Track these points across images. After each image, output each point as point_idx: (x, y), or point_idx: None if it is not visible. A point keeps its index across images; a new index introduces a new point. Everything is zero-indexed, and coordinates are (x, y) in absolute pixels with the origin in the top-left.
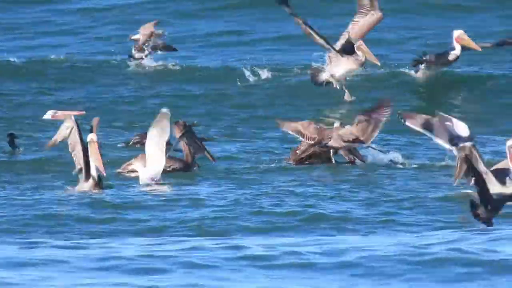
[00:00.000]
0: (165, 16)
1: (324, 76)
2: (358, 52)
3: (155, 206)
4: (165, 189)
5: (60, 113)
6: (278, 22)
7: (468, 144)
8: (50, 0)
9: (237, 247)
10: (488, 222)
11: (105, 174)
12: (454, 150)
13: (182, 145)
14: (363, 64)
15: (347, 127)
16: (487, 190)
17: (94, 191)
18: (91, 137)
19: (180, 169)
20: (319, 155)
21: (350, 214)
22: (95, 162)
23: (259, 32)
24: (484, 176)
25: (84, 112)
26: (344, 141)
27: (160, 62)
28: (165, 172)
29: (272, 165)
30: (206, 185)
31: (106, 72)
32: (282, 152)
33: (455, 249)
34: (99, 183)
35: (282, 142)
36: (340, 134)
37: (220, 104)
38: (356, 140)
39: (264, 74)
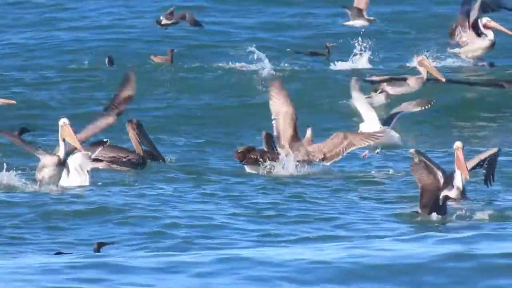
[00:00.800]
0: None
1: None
2: (420, 68)
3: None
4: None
5: None
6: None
7: (411, 150)
8: None
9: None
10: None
11: (82, 151)
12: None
13: (134, 140)
14: (425, 82)
15: (319, 144)
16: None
17: (56, 167)
18: (63, 120)
19: (135, 161)
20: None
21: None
22: (71, 142)
23: None
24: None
25: (14, 102)
26: (309, 158)
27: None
28: (121, 164)
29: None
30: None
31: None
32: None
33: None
34: (64, 162)
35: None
36: (309, 150)
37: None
38: (321, 159)
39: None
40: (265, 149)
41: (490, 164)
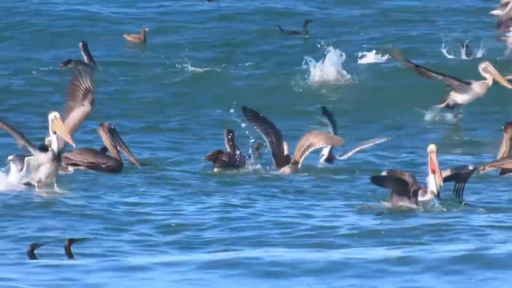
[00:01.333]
0: None
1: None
2: (485, 75)
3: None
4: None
5: None
6: None
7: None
8: None
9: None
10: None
11: (74, 145)
12: None
13: (107, 144)
14: (489, 88)
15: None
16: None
17: (52, 163)
18: (54, 114)
19: (115, 167)
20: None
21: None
22: (63, 136)
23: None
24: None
25: None
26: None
27: None
28: (100, 170)
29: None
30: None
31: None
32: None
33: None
34: (58, 156)
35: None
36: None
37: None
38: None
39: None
40: (229, 149)
41: (464, 180)
